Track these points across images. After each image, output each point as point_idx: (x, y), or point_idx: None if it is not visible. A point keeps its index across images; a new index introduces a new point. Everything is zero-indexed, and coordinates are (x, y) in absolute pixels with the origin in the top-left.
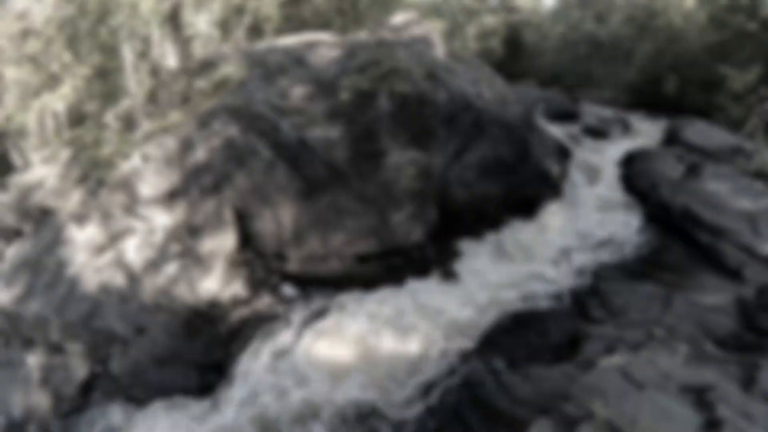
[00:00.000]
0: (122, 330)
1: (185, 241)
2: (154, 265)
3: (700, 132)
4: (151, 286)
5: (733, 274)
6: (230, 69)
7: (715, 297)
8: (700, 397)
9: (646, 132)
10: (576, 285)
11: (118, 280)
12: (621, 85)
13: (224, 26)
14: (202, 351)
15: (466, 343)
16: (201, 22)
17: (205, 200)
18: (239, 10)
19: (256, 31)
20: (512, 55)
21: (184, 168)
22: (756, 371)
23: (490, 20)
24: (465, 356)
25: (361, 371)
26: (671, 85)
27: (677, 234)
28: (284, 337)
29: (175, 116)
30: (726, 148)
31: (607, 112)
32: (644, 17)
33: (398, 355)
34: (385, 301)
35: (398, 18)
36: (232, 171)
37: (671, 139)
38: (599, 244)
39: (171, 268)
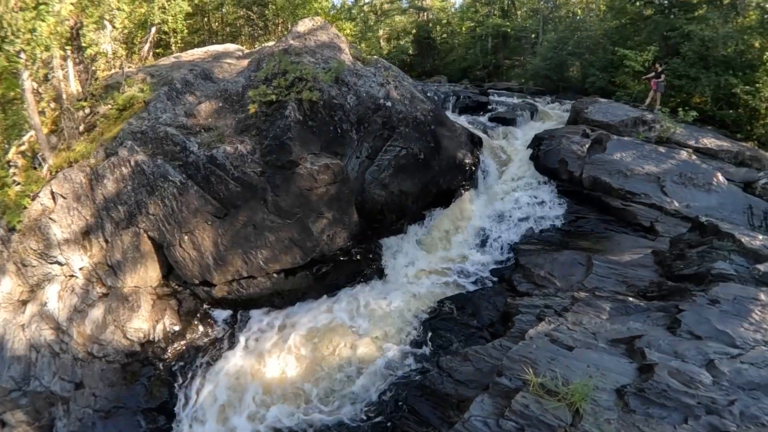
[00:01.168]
0: (60, 388)
1: (106, 281)
2: (79, 311)
3: (603, 109)
4: (80, 335)
5: (647, 231)
6: (135, 90)
7: (632, 254)
8: (629, 347)
9: (554, 115)
10: (500, 264)
11: (46, 334)
12: (528, 74)
13: (128, 42)
14: (144, 395)
15: (406, 338)
16: (104, 40)
17: (120, 234)
18: (143, 24)
19: (161, 45)
20: (423, 53)
21: (95, 202)
22: (679, 314)
23: (401, 20)
24: (406, 350)
25: (308, 383)
26: (575, 70)
27: (590, 204)
28: (224, 365)
29: (80, 147)
30: (628, 121)
31: (516, 100)
32: (547, 9)
33: (341, 361)
34: (319, 311)
35: (305, 25)
36: (143, 199)
37: (576, 118)
38: (517, 222)
39: (97, 313)
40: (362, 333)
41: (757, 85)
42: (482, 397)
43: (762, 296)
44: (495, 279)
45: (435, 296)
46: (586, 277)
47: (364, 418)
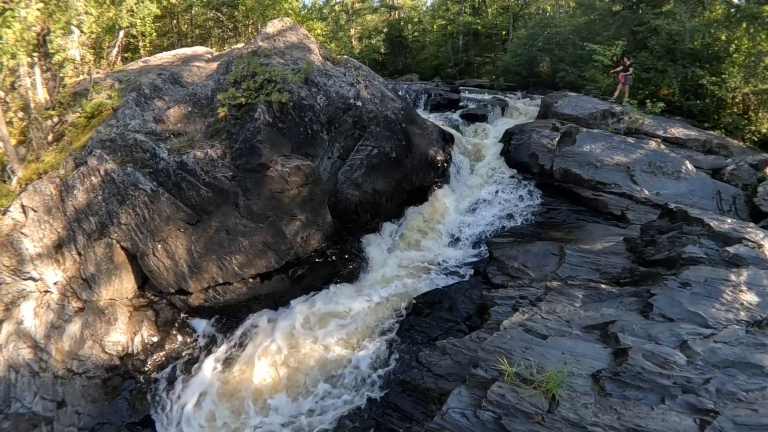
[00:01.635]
0: (42, 408)
1: (82, 294)
2: (56, 328)
3: (572, 103)
4: (59, 352)
5: (619, 220)
6: (103, 97)
7: (604, 243)
8: (603, 332)
9: (524, 110)
10: (475, 257)
11: (24, 353)
12: (499, 70)
13: (96, 47)
14: (127, 409)
15: (384, 335)
16: (71, 46)
17: (93, 246)
18: (111, 28)
19: (130, 49)
20: (395, 51)
21: (66, 214)
22: (651, 298)
23: (372, 19)
24: (386, 348)
25: (290, 387)
26: (545, 65)
27: (561, 195)
28: (207, 374)
29: (49, 157)
30: (597, 114)
31: (487, 97)
32: (517, 6)
33: (323, 363)
34: (297, 313)
35: (275, 26)
36: (114, 209)
37: (546, 112)
38: (490, 216)
39: (74, 328)
40: (340, 334)
41: (723, 76)
42: (459, 389)
43: (732, 277)
44: (470, 272)
45: (412, 293)
46: (559, 267)
47: (347, 417)
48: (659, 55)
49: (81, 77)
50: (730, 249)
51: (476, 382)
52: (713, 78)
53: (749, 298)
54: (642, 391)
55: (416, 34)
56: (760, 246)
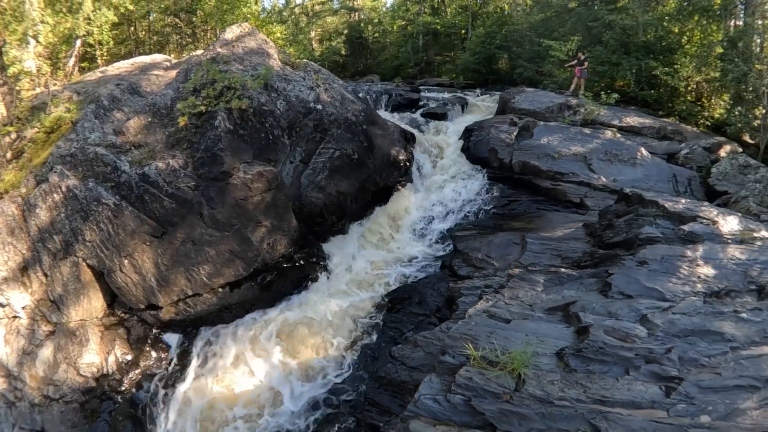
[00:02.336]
0: None
1: (51, 317)
2: (28, 354)
3: (530, 98)
4: (33, 378)
5: (578, 207)
6: (61, 110)
7: (564, 229)
8: (565, 313)
9: (483, 106)
10: (441, 252)
11: None
12: (458, 69)
13: (53, 58)
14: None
15: (357, 334)
16: (27, 57)
17: (59, 266)
18: (68, 38)
19: (87, 58)
20: (356, 53)
21: (29, 235)
22: (609, 277)
23: (333, 21)
24: (360, 347)
25: (268, 394)
26: (503, 62)
27: (521, 187)
28: (183, 389)
29: (9, 176)
30: (554, 108)
31: (447, 95)
32: (476, 5)
33: (299, 367)
34: (269, 320)
35: (233, 31)
36: (78, 226)
37: (504, 108)
38: (453, 211)
39: (46, 353)
40: (313, 337)
41: (676, 66)
42: (430, 377)
43: (688, 253)
44: (437, 266)
45: (382, 291)
46: (522, 255)
47: (327, 418)
48: (613, 49)
49: (38, 90)
50: (685, 227)
51: (445, 369)
52: (666, 69)
53: (706, 271)
54: (606, 364)
55: (376, 35)
56: (715, 222)
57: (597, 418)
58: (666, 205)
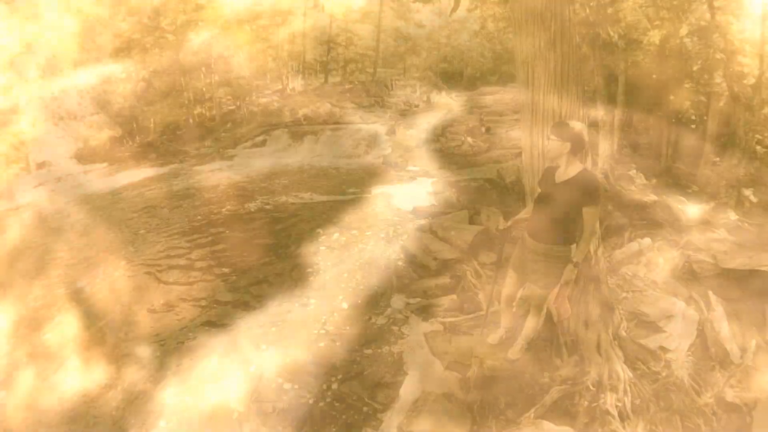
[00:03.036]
0: None
1: (30, 340)
2: (10, 382)
3: (497, 97)
4: (17, 410)
5: None
6: (25, 126)
7: None
8: None
9: (453, 106)
10: (413, 250)
11: None
12: (427, 69)
13: (16, 67)
14: None
15: (341, 339)
16: None
17: (32, 285)
18: (31, 46)
19: (52, 68)
20: (325, 55)
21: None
22: None
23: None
24: (343, 349)
25: (255, 405)
26: (472, 63)
27: (490, 181)
28: (169, 403)
29: None
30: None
31: (416, 96)
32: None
33: (282, 372)
34: (249, 330)
35: (200, 37)
36: (50, 242)
37: (473, 106)
38: (424, 209)
39: (28, 380)
40: (297, 346)
41: None
42: None
43: None
44: (410, 266)
45: (355, 293)
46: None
47: (303, 419)
48: None
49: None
50: None
51: None
52: None
53: None
54: None
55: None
56: None
57: None
58: None
